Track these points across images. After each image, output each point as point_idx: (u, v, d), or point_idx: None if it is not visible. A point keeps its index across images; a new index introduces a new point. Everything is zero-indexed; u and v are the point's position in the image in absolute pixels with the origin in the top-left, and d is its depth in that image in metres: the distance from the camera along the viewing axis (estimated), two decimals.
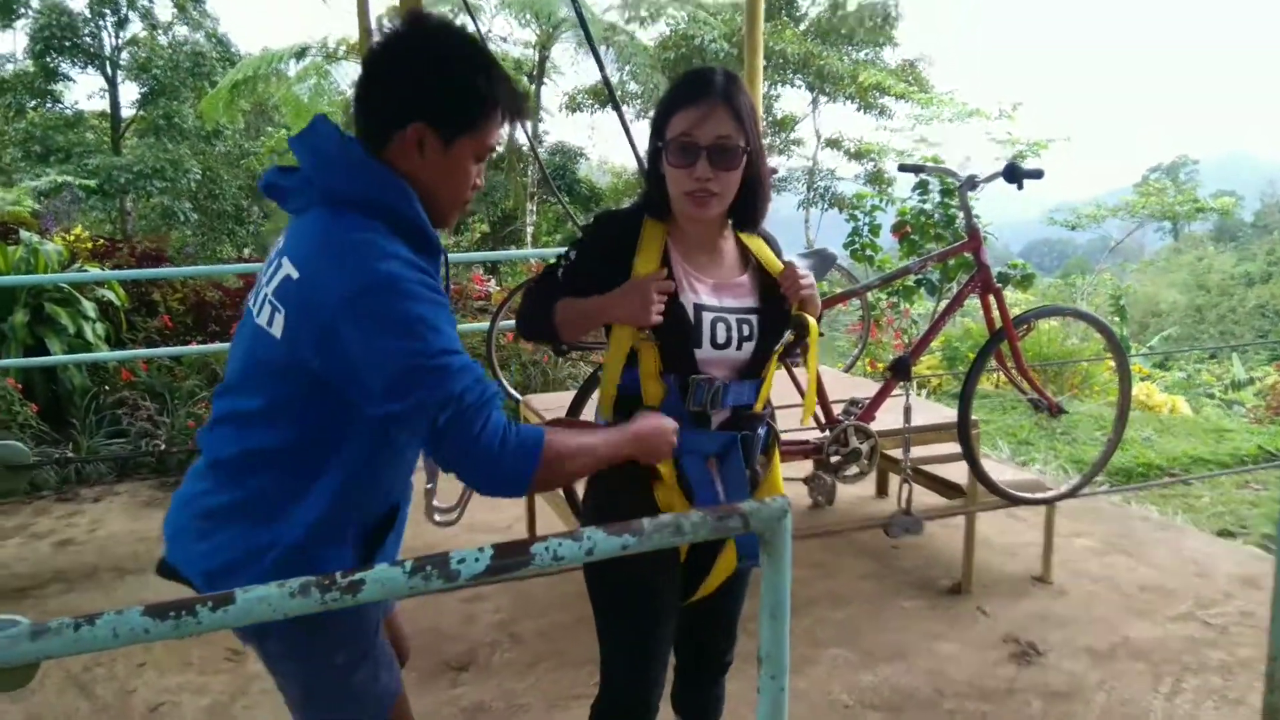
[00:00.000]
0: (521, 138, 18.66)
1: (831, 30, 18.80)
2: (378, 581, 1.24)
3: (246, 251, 18.72)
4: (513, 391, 4.78)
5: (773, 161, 17.62)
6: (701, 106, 1.59)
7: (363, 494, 1.51)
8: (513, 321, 6.04)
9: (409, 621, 3.21)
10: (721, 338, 1.66)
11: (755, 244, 1.76)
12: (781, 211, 19.60)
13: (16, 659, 1.06)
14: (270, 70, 15.35)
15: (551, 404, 3.76)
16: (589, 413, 3.04)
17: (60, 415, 5.24)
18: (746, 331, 1.67)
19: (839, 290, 3.51)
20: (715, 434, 1.70)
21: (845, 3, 19.07)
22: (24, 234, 6.05)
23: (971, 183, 3.01)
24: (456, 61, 1.45)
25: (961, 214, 6.43)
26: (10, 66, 19.27)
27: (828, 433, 2.78)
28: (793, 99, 21.51)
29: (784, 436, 2.84)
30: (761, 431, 1.77)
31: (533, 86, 17.62)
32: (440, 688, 2.85)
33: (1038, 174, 2.84)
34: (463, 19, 15.75)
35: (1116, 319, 11.59)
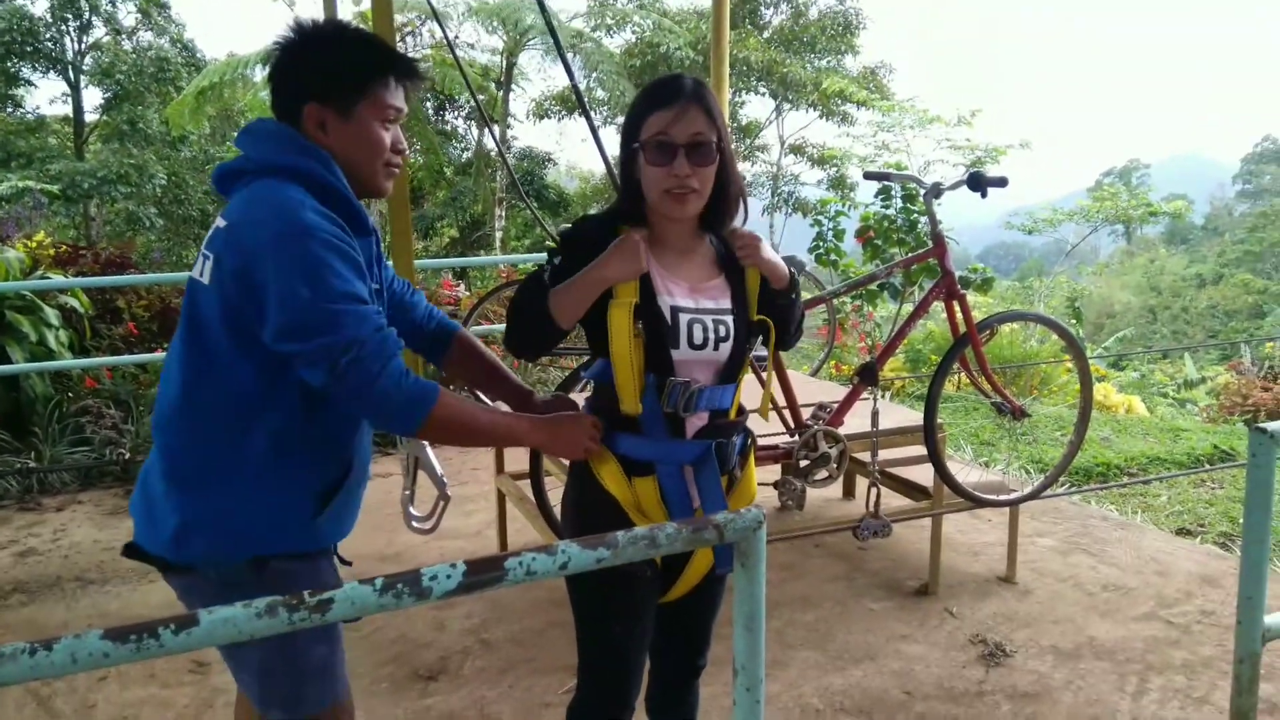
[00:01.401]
0: (490, 143, 18.62)
1: (794, 38, 18.95)
2: (347, 600, 1.23)
3: None
4: (483, 397, 4.77)
5: (739, 168, 17.71)
6: (675, 108, 1.64)
7: (308, 450, 1.61)
8: (484, 327, 6.04)
9: (379, 630, 3.21)
10: (699, 338, 1.69)
11: (718, 246, 1.80)
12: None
13: None
14: (236, 76, 15.16)
15: None
16: None
17: (22, 424, 5.15)
18: (723, 332, 1.71)
19: (806, 296, 3.55)
20: (690, 443, 1.72)
21: (807, 11, 19.23)
22: None
23: (936, 190, 3.06)
24: (333, 43, 1.62)
25: (925, 220, 6.53)
26: None
27: (797, 437, 2.81)
28: (756, 106, 21.66)
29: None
30: (738, 439, 1.80)
31: (500, 93, 17.59)
32: (411, 697, 2.84)
33: (1002, 182, 2.90)
34: (430, 25, 15.71)
35: (1073, 320, 11.79)
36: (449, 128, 19.82)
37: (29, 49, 18.23)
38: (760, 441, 2.90)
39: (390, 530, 4.12)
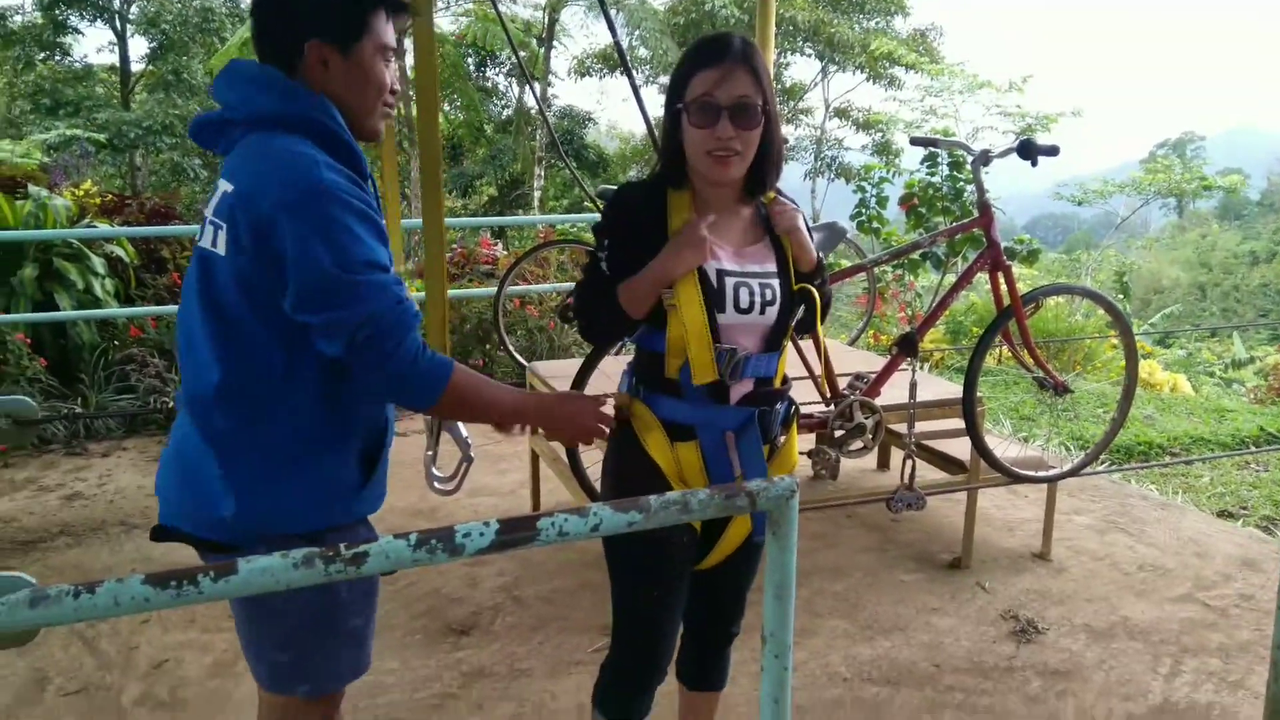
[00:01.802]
0: (530, 101, 18.53)
1: None
2: (382, 553, 1.24)
3: None
4: (518, 357, 4.79)
5: (782, 130, 17.49)
6: (721, 68, 1.61)
7: (350, 418, 1.57)
8: (521, 287, 6.04)
9: (413, 584, 3.26)
10: (745, 302, 1.67)
11: (761, 211, 1.78)
12: (788, 181, 19.42)
13: (15, 626, 1.08)
14: None
15: (556, 371, 3.77)
16: (597, 383, 3.06)
17: (69, 370, 5.26)
18: (769, 295, 1.69)
19: (848, 264, 3.50)
20: (734, 409, 1.72)
21: None
22: (32, 188, 6.02)
23: (985, 158, 2.99)
24: None
25: (971, 188, 6.40)
26: (19, 19, 19.14)
27: (832, 407, 2.79)
28: (802, 67, 21.32)
29: None
30: (781, 406, 1.79)
31: (542, 50, 17.46)
32: (443, 650, 2.89)
33: (1053, 151, 2.82)
34: None
35: (1120, 296, 11.55)
36: (490, 84, 19.78)
37: None
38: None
39: (422, 486, 4.14)
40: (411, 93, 15.58)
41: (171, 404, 5.02)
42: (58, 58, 19.33)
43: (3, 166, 6.74)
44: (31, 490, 4.24)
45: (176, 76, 18.49)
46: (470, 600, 3.20)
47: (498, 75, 19.89)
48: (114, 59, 20.18)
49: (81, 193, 6.69)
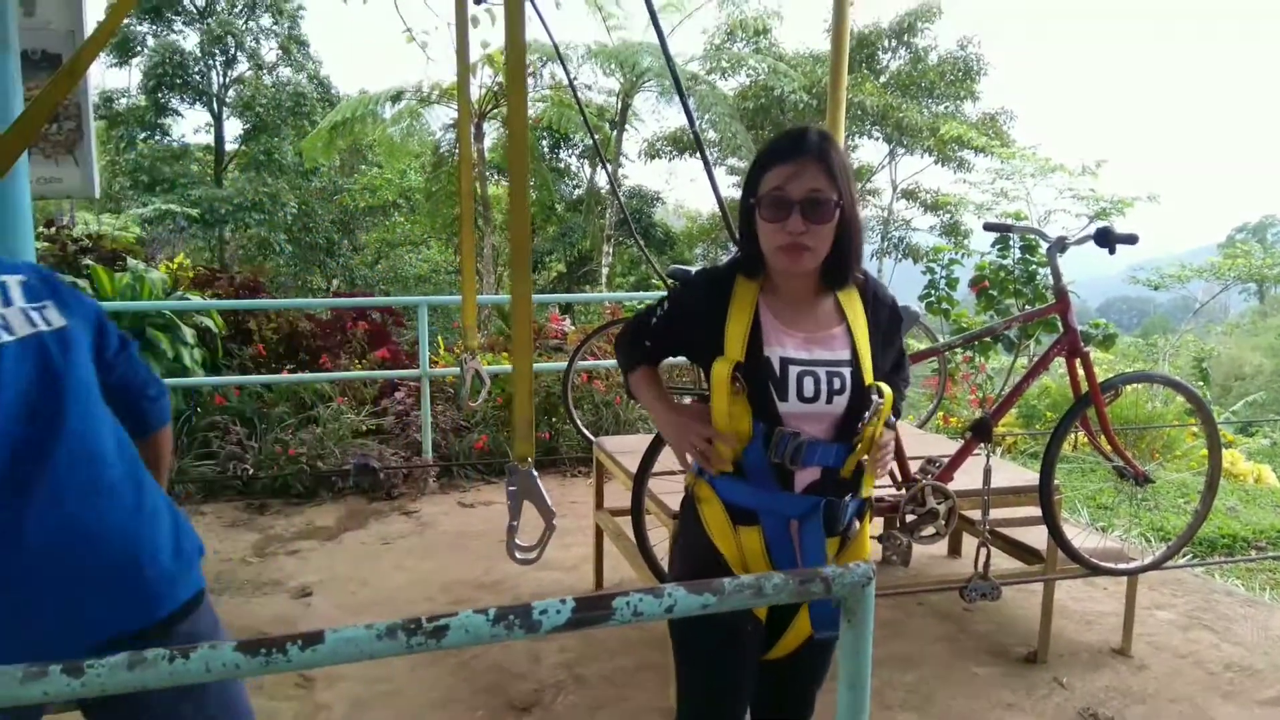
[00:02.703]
0: (601, 181, 19.01)
1: (912, 83, 18.76)
2: (461, 627, 1.27)
3: (335, 283, 19.35)
4: (585, 432, 4.84)
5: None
6: (795, 163, 1.63)
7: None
8: (590, 363, 6.13)
9: (477, 656, 3.26)
10: (809, 391, 1.66)
11: (850, 302, 1.77)
12: None
13: (114, 688, 1.12)
14: (367, 112, 15.94)
15: (624, 446, 3.79)
16: (666, 459, 3.07)
17: None
18: (838, 385, 1.67)
19: (919, 347, 3.49)
20: (798, 497, 1.69)
21: (926, 56, 19.03)
22: (131, 261, 6.37)
23: (1061, 245, 2.98)
24: None
25: (1044, 272, 6.33)
26: (125, 101, 20.43)
27: (904, 491, 2.75)
28: (870, 150, 21.50)
29: None
30: (852, 500, 1.75)
31: (614, 133, 17.95)
32: None
33: (1131, 239, 2.80)
34: (550, 67, 16.20)
35: (1199, 382, 11.19)
36: (562, 165, 20.34)
37: (178, 81, 19.63)
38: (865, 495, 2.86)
39: (488, 558, 4.20)
40: (489, 173, 16.15)
41: (250, 470, 5.18)
42: (157, 137, 20.52)
43: (104, 240, 7.12)
44: None
45: (268, 156, 19.46)
46: (532, 676, 3.19)
47: (570, 157, 20.47)
48: (209, 139, 21.35)
49: (175, 265, 7.04)
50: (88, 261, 6.13)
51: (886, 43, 18.94)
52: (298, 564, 4.24)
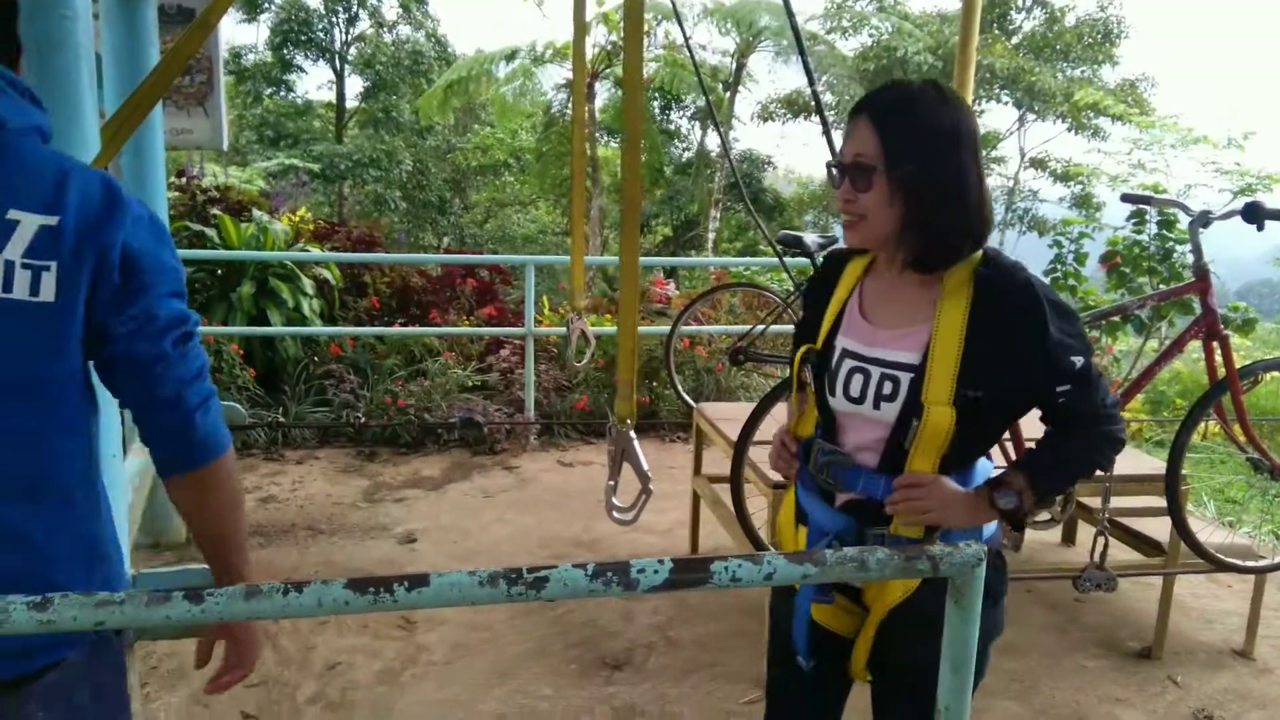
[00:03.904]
0: (711, 144, 18.80)
1: (1046, 45, 17.84)
2: (561, 580, 1.27)
3: (445, 240, 19.81)
4: (686, 397, 4.82)
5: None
6: (852, 122, 1.46)
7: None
8: (693, 328, 6.09)
9: (571, 611, 3.30)
10: (855, 390, 1.47)
11: (954, 295, 1.44)
12: None
13: (231, 616, 1.16)
14: (481, 71, 16.13)
15: (725, 413, 3.76)
16: (767, 428, 3.03)
17: (274, 381, 5.71)
18: (888, 390, 1.44)
19: None
20: (835, 512, 1.53)
21: (1063, 17, 18.05)
22: (255, 213, 6.62)
23: (1204, 220, 2.78)
24: None
25: (1183, 249, 5.95)
26: (252, 57, 21.22)
27: None
28: (997, 115, 20.59)
29: None
30: (878, 536, 1.50)
31: (727, 95, 17.70)
32: (596, 683, 2.91)
33: None
34: (665, 25, 16.04)
35: None
36: (673, 127, 20.20)
37: (303, 38, 20.26)
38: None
39: (588, 517, 4.24)
40: (600, 134, 16.17)
41: (362, 419, 5.35)
42: (282, 93, 21.26)
43: (230, 191, 7.43)
44: None
45: (386, 114, 19.94)
46: (625, 635, 3.21)
47: (681, 119, 20.30)
48: (331, 96, 22.01)
49: (298, 218, 7.28)
50: (215, 211, 6.40)
51: (1020, 1, 18.04)
52: (404, 511, 4.37)
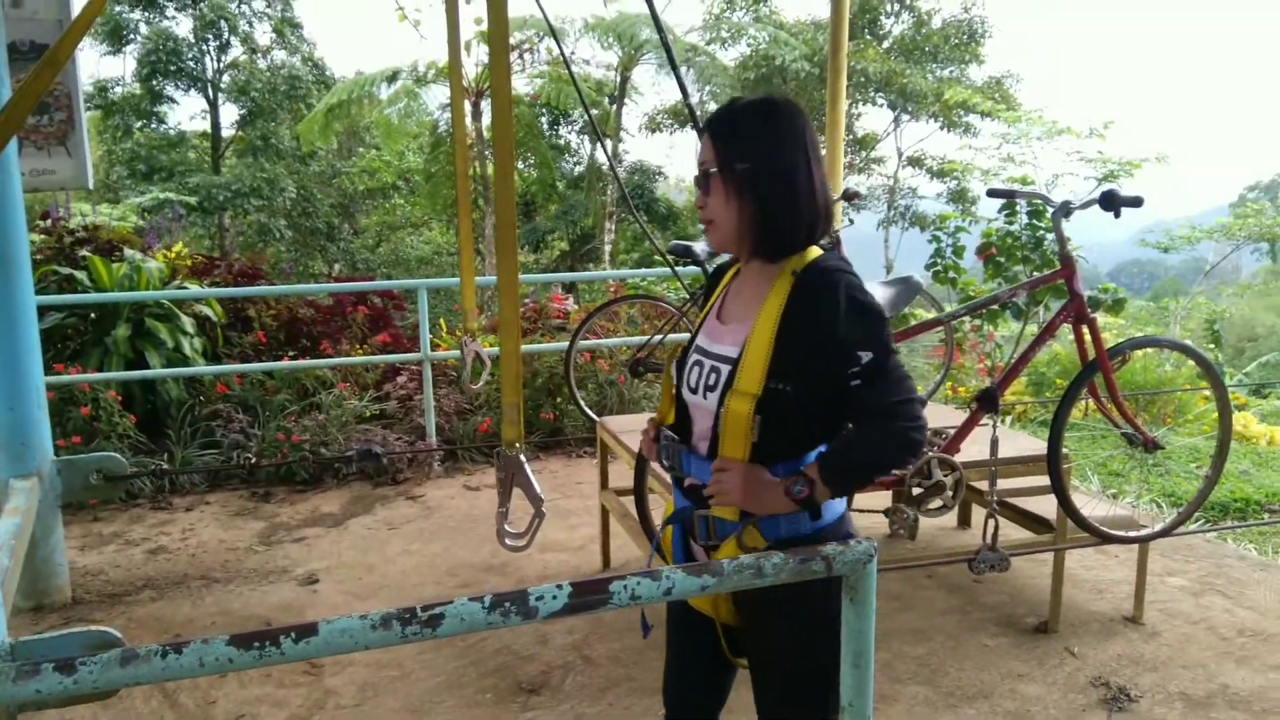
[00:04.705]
0: (602, 158, 18.87)
1: (915, 48, 18.52)
2: (457, 615, 1.25)
3: (337, 267, 19.30)
4: (588, 411, 4.81)
5: (851, 180, 17.44)
6: (701, 140, 1.64)
7: None
8: (591, 342, 6.08)
9: (484, 639, 3.24)
10: (693, 381, 1.62)
11: (776, 298, 1.55)
12: (860, 230, 19.37)
13: (107, 684, 1.10)
14: (363, 94, 15.83)
15: (627, 425, 3.76)
16: None
17: (157, 426, 5.45)
18: (713, 380, 1.57)
19: (926, 316, 3.44)
20: (678, 494, 1.71)
21: (930, 20, 18.79)
22: (128, 252, 6.32)
23: (1066, 210, 2.92)
24: None
25: (1051, 237, 6.25)
26: (119, 89, 20.29)
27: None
28: (874, 117, 21.32)
29: None
30: (702, 518, 1.63)
31: (613, 108, 17.80)
32: (513, 710, 2.86)
33: (1136, 202, 2.74)
34: (547, 42, 16.05)
35: (1211, 345, 11.11)
36: (562, 142, 20.20)
37: (173, 68, 19.46)
38: None
39: (495, 541, 4.16)
40: (488, 152, 16.05)
41: (254, 459, 5.16)
42: (153, 125, 20.37)
43: (100, 231, 7.07)
44: (118, 544, 4.37)
45: (265, 141, 19.32)
46: (540, 658, 3.17)
47: (570, 133, 20.31)
48: (206, 126, 21.22)
49: (174, 254, 6.99)
50: (84, 253, 6.09)
51: (889, 7, 18.70)
52: (304, 551, 4.22)
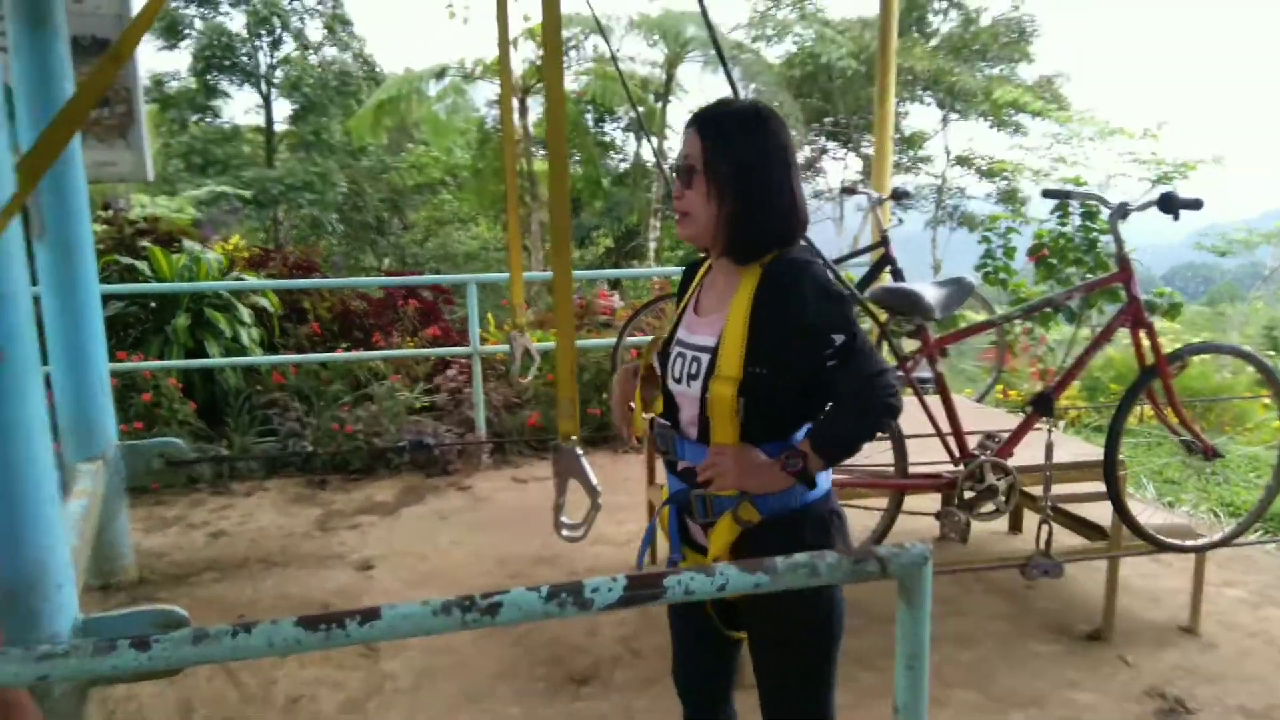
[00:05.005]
0: (647, 154, 18.88)
1: (964, 46, 18.31)
2: (515, 605, 1.28)
3: (386, 261, 19.57)
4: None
5: (898, 180, 17.26)
6: (685, 132, 1.68)
7: None
8: (638, 338, 6.12)
9: (537, 629, 3.29)
10: (677, 371, 1.69)
11: (746, 287, 1.64)
12: (909, 229, 19.13)
13: (178, 662, 1.14)
14: (412, 90, 16.00)
15: None
16: None
17: (216, 414, 5.59)
18: (694, 369, 1.65)
19: (977, 318, 3.42)
20: (672, 478, 1.77)
21: (978, 18, 18.54)
22: (186, 243, 6.48)
23: (1123, 211, 2.88)
24: None
25: (1106, 239, 6.14)
26: (175, 84, 20.77)
27: (961, 467, 2.70)
28: (922, 115, 21.08)
29: (915, 469, 2.79)
30: (699, 498, 1.71)
31: (659, 105, 17.80)
32: (564, 700, 2.91)
33: (1196, 204, 2.71)
34: (593, 39, 16.11)
35: (1270, 351, 10.82)
36: (608, 139, 20.25)
37: (227, 63, 19.90)
38: (921, 469, 2.81)
39: (546, 534, 4.18)
40: (534, 149, 16.17)
41: (309, 447, 5.27)
42: (209, 119, 20.84)
43: (160, 222, 7.26)
44: (180, 527, 4.50)
45: (316, 136, 19.67)
46: (590, 650, 3.21)
47: (615, 130, 20.37)
48: (259, 120, 21.63)
49: (231, 246, 7.15)
50: (145, 243, 6.26)
51: (937, 4, 18.49)
52: (359, 538, 4.31)
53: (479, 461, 5.43)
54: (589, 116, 18.91)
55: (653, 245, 17.40)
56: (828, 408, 1.64)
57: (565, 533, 2.53)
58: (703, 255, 1.80)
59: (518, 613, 1.27)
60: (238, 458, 5.24)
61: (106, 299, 5.39)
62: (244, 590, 3.73)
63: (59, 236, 3.58)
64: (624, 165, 20.18)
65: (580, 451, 2.48)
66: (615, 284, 12.68)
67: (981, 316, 3.76)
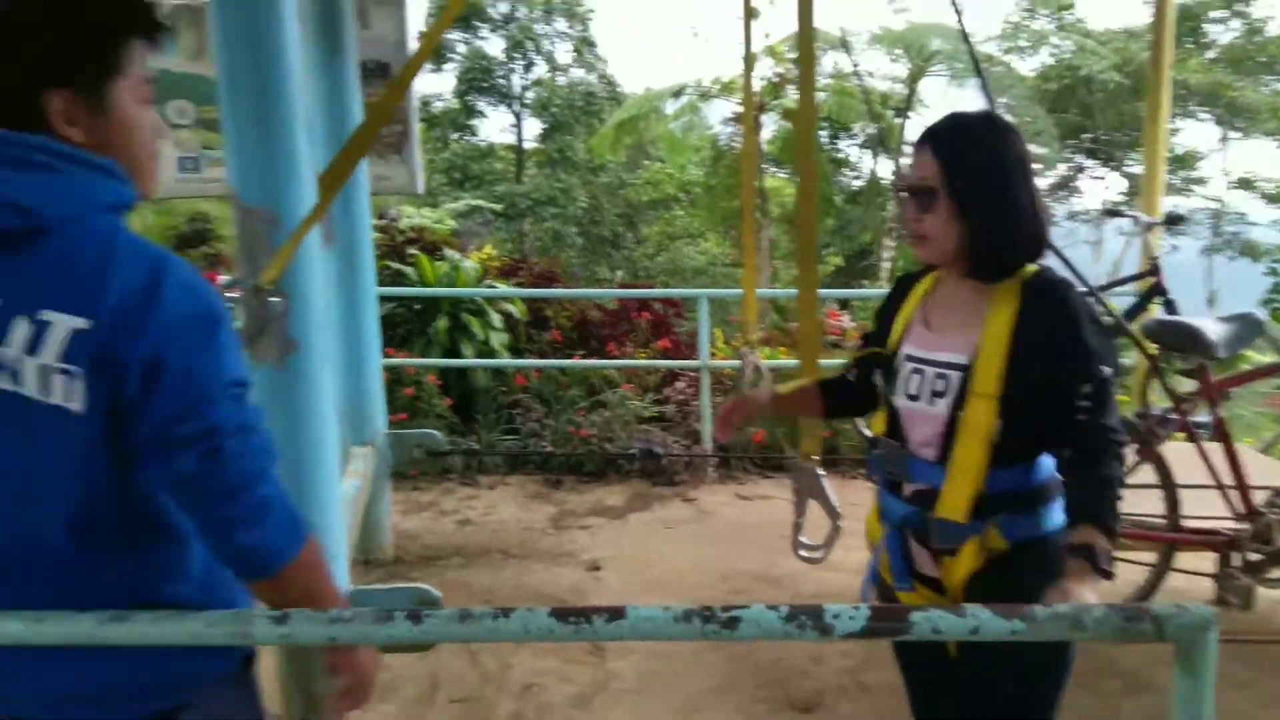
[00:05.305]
0: (884, 170, 18.43)
1: (1247, 58, 16.52)
2: (754, 621, 1.29)
3: (619, 274, 20.30)
4: (868, 432, 4.73)
5: (1169, 203, 15.80)
6: (916, 150, 1.62)
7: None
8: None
9: (759, 648, 3.29)
10: (913, 389, 1.63)
11: (1003, 300, 1.58)
12: (1181, 257, 17.45)
13: (445, 638, 1.25)
14: (650, 109, 16.54)
15: None
16: None
17: (467, 410, 6.03)
18: (940, 386, 1.58)
19: (1265, 361, 3.09)
20: (901, 502, 1.68)
21: (1264, 27, 16.66)
22: (447, 252, 7.06)
23: None
24: (58, 5, 1.11)
25: None
26: (439, 104, 22.64)
27: (1246, 526, 2.45)
28: (1195, 133, 19.20)
29: (1188, 523, 2.55)
30: (939, 521, 1.61)
31: (899, 121, 17.34)
32: None
33: None
34: (833, 55, 15.94)
35: None
36: (842, 155, 19.97)
37: (485, 85, 21.47)
38: (1196, 524, 2.57)
39: (769, 552, 4.21)
40: (773, 167, 16.20)
41: (549, 448, 5.57)
42: (467, 137, 22.54)
43: (425, 232, 7.94)
44: (433, 513, 4.89)
45: (561, 154, 20.81)
46: (815, 676, 3.17)
47: (850, 147, 20.06)
48: (511, 138, 23.16)
49: (485, 256, 7.69)
50: (412, 251, 6.87)
51: (1215, 13, 16.81)
52: (589, 539, 4.50)
53: (704, 474, 5.51)
54: (823, 133, 18.75)
55: (886, 265, 16.95)
56: (1068, 478, 1.56)
57: (804, 553, 2.53)
58: (922, 269, 1.77)
59: (757, 629, 1.28)
60: (485, 453, 5.61)
61: (380, 300, 5.97)
62: (484, 578, 3.99)
63: (345, 243, 4.01)
64: (858, 182, 19.82)
65: (822, 472, 2.47)
66: (845, 304, 12.45)
67: (1270, 358, 3.37)
